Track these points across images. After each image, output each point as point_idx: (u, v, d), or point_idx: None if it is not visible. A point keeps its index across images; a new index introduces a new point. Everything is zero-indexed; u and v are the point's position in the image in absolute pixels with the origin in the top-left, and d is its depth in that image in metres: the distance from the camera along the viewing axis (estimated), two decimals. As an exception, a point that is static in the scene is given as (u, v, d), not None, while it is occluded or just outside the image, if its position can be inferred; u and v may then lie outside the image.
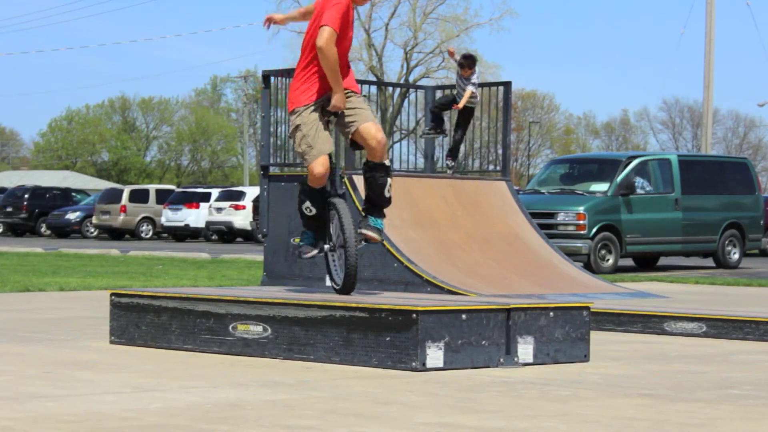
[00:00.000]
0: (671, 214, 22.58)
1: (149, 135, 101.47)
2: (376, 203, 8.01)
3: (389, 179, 7.94)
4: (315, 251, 8.09)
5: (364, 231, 7.93)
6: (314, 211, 7.97)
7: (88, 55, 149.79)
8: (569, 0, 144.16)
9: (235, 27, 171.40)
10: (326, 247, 8.11)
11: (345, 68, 7.90)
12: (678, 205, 22.68)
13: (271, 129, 13.62)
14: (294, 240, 8.26)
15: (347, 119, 7.87)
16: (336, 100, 7.79)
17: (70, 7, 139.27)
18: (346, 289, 7.89)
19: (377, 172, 7.91)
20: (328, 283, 13.38)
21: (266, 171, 13.66)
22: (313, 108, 7.93)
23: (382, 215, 8.09)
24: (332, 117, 7.90)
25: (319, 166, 7.84)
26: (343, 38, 7.79)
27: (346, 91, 7.90)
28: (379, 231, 8.00)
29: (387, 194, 7.98)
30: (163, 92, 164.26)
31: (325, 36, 7.65)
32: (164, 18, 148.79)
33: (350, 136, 7.92)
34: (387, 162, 7.91)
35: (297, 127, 7.95)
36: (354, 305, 7.15)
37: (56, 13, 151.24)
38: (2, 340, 8.41)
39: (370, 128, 7.81)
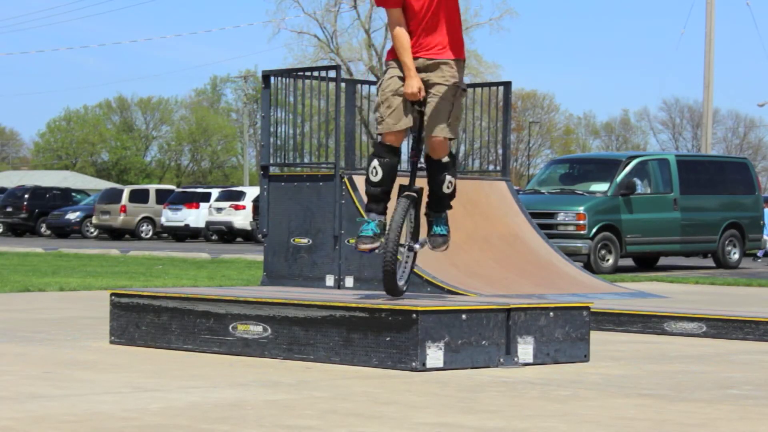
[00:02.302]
0: (670, 214, 22.59)
1: (149, 135, 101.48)
2: (438, 195, 7.57)
3: (449, 176, 7.50)
4: (372, 242, 7.35)
5: (429, 243, 7.61)
6: (380, 175, 7.40)
7: (88, 55, 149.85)
8: (569, 0, 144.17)
9: (235, 27, 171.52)
10: (416, 246, 7.57)
11: (433, 31, 7.35)
12: (676, 205, 22.68)
13: (271, 129, 13.62)
14: (349, 241, 7.97)
15: (424, 108, 7.38)
16: (406, 87, 7.26)
17: (70, 7, 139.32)
18: (385, 286, 7.40)
19: (435, 169, 7.50)
20: (329, 283, 13.42)
21: (266, 171, 13.66)
22: (399, 71, 7.35)
23: (444, 213, 7.65)
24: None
25: (390, 135, 7.38)
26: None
27: (434, 61, 7.35)
28: (442, 238, 7.65)
29: (446, 190, 7.54)
30: (163, 92, 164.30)
31: (387, 19, 7.41)
32: (164, 18, 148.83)
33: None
34: (445, 159, 7.44)
35: (379, 86, 7.44)
36: (354, 305, 7.15)
37: (56, 13, 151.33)
38: (2, 340, 8.41)
39: (434, 130, 7.35)
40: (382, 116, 7.26)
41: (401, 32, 7.28)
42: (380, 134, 7.33)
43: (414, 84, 7.22)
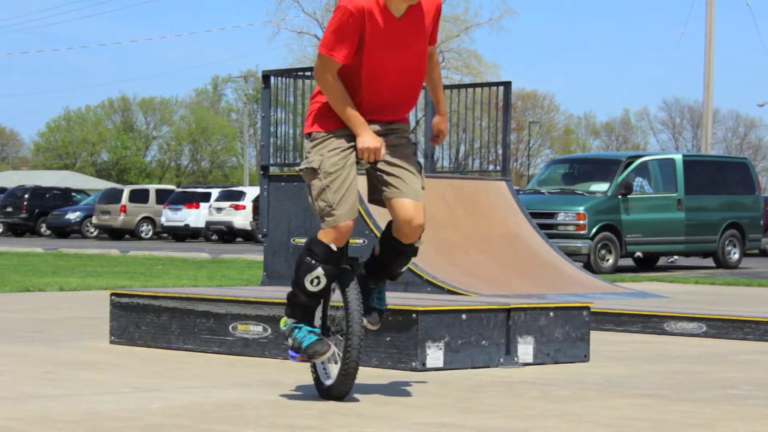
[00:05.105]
0: (674, 214, 22.58)
1: (149, 135, 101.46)
2: (384, 274, 5.99)
3: (413, 258, 5.97)
4: (329, 346, 5.72)
5: (366, 319, 5.84)
6: (323, 284, 5.68)
7: (88, 55, 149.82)
8: (569, 0, 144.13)
9: (235, 27, 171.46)
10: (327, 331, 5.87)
11: (394, 100, 5.75)
12: (681, 206, 22.68)
13: (271, 129, 13.62)
14: (282, 323, 5.82)
15: (383, 176, 5.76)
16: (360, 143, 5.63)
17: (70, 7, 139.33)
18: (340, 390, 5.73)
19: (400, 253, 5.88)
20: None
21: (266, 171, 13.66)
22: (341, 137, 5.69)
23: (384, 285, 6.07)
24: (362, 161, 5.73)
25: (343, 227, 5.70)
26: (362, 54, 5.58)
27: (387, 125, 5.76)
28: (381, 314, 5.97)
29: (400, 271, 6.01)
30: (163, 92, 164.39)
31: (316, 65, 5.65)
32: (164, 18, 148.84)
33: (378, 197, 5.86)
34: (418, 244, 5.86)
35: (312, 170, 5.67)
36: (354, 305, 7.13)
37: (56, 13, 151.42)
38: (2, 340, 8.41)
39: (407, 209, 5.70)
40: (330, 205, 5.62)
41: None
42: (325, 229, 5.69)
43: (372, 139, 5.64)
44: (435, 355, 6.88)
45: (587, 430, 5.09)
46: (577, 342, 7.51)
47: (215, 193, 40.56)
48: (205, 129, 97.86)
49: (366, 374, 6.75)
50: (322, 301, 5.77)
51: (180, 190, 44.11)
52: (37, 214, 45.45)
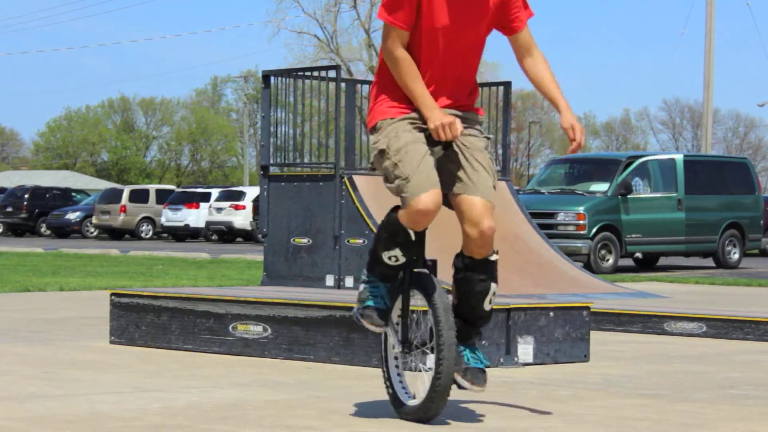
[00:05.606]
0: (674, 214, 22.59)
1: (149, 135, 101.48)
2: (470, 319, 5.24)
3: (493, 284, 5.20)
4: (384, 326, 5.25)
5: (461, 380, 5.13)
6: (401, 261, 5.20)
7: (88, 55, 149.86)
8: (569, 0, 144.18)
9: (235, 27, 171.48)
10: (397, 347, 5.27)
11: (454, 81, 5.21)
12: (681, 206, 22.69)
13: (271, 129, 13.62)
14: (360, 273, 5.40)
15: (452, 167, 5.18)
16: (432, 122, 5.06)
17: (70, 7, 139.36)
18: (428, 411, 5.11)
19: (476, 273, 5.20)
20: (329, 283, 13.41)
21: (266, 171, 13.66)
22: (409, 122, 5.16)
23: (480, 338, 5.34)
24: (437, 148, 5.15)
25: (426, 199, 5.03)
26: (420, 26, 5.12)
27: (463, 114, 5.24)
28: (484, 374, 5.17)
29: (487, 307, 5.22)
30: (163, 92, 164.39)
31: (384, 41, 5.17)
32: (164, 18, 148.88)
33: (445, 192, 5.17)
34: (494, 257, 5.21)
35: (381, 152, 5.15)
36: (354, 305, 7.14)
37: (56, 13, 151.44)
38: (2, 340, 8.41)
39: (476, 207, 5.12)
40: (405, 177, 5.05)
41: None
42: (402, 209, 5.10)
43: (442, 115, 5.10)
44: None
45: (587, 430, 5.10)
46: (577, 342, 7.51)
47: (215, 193, 40.56)
48: (205, 129, 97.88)
49: (366, 374, 6.75)
50: (400, 296, 5.24)
51: (180, 190, 44.11)
52: (37, 214, 45.45)
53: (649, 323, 9.52)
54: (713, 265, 23.58)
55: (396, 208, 5.17)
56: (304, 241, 13.17)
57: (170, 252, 27.64)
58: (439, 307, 5.04)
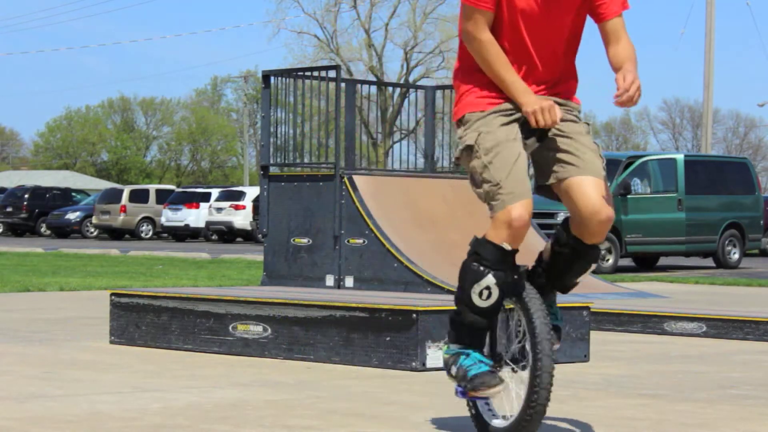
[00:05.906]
0: (674, 214, 22.60)
1: (149, 135, 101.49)
2: (556, 285, 4.89)
3: (593, 265, 4.86)
4: (501, 381, 4.65)
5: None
6: (495, 296, 4.62)
7: (88, 55, 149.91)
8: None
9: (235, 27, 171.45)
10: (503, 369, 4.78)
11: (543, 67, 4.72)
12: (681, 206, 22.69)
13: (271, 129, 13.62)
14: (444, 350, 4.77)
15: (554, 153, 4.68)
16: (527, 107, 4.57)
17: (70, 7, 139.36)
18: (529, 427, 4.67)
19: (580, 257, 4.78)
20: (329, 283, 13.41)
21: (266, 171, 13.66)
22: (500, 114, 4.68)
23: (555, 296, 4.96)
24: (531, 140, 4.67)
25: (518, 210, 4.55)
26: (516, 15, 4.63)
27: (561, 102, 4.76)
28: (559, 331, 4.95)
29: (578, 280, 4.92)
30: (163, 92, 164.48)
31: (463, 26, 4.71)
32: (164, 18, 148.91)
33: (549, 183, 4.71)
34: (602, 244, 4.94)
35: (468, 148, 4.66)
36: (354, 305, 7.15)
37: (56, 13, 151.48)
38: (2, 340, 8.41)
39: (590, 194, 4.59)
40: (496, 183, 4.56)
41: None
42: (495, 223, 4.67)
43: (537, 100, 4.61)
44: (435, 355, 6.88)
45: (587, 430, 5.09)
46: (577, 342, 7.51)
47: (215, 193, 40.57)
48: (205, 129, 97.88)
49: (366, 374, 6.75)
50: (495, 320, 4.68)
51: (180, 190, 44.13)
52: (37, 214, 45.46)
53: (649, 323, 9.52)
54: (713, 265, 23.58)
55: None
56: (304, 241, 13.17)
57: (170, 252, 27.64)
58: (537, 323, 4.58)
